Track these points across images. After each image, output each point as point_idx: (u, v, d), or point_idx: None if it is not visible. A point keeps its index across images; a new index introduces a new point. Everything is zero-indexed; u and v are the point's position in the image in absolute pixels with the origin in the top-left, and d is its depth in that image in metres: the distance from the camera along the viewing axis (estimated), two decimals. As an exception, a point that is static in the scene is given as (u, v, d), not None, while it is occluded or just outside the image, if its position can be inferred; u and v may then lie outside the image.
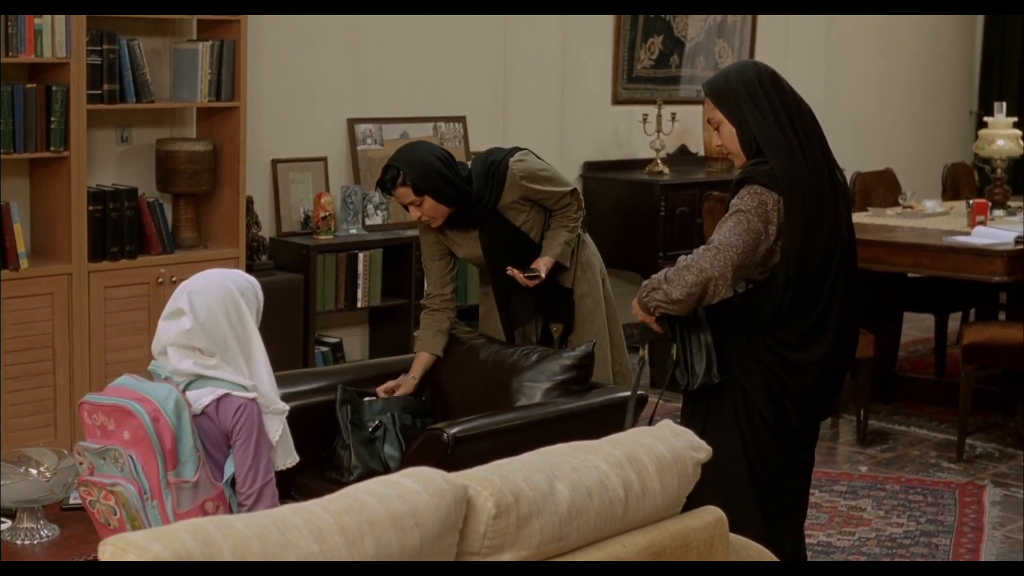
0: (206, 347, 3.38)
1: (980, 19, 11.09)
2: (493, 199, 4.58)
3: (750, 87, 3.58)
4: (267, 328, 3.62)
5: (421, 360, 4.62)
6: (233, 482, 3.39)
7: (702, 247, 3.53)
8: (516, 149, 4.69)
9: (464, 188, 4.53)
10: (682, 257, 3.56)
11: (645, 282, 3.62)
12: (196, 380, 3.39)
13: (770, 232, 3.52)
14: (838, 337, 3.62)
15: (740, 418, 3.63)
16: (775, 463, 3.67)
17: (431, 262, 4.71)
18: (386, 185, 4.49)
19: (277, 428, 3.43)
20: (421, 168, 4.46)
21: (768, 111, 3.55)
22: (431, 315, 4.68)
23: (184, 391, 3.36)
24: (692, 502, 2.86)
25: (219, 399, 3.36)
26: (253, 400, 3.38)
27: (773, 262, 3.56)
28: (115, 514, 3.29)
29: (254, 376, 3.42)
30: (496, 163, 4.60)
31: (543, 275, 4.60)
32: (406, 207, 4.56)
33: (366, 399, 4.43)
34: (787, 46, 9.16)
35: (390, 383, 4.56)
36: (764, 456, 3.65)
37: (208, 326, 3.37)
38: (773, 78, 3.61)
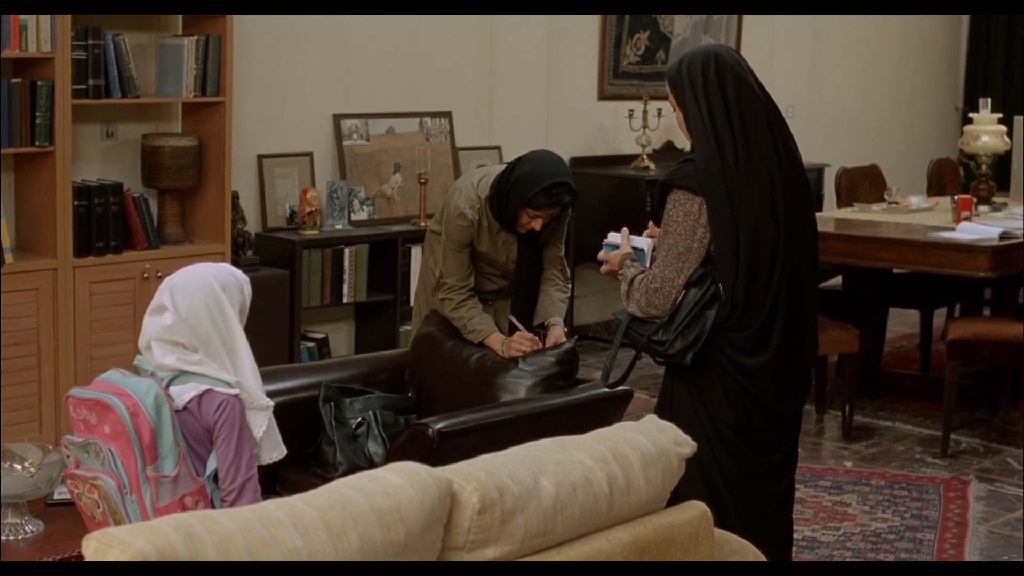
0: (189, 343, 3.38)
1: (965, 15, 11.11)
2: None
3: (694, 79, 3.56)
4: (252, 324, 3.61)
5: (498, 337, 4.60)
6: (216, 477, 3.39)
7: (649, 277, 3.58)
8: None
9: None
10: (643, 278, 3.60)
11: (629, 267, 3.66)
12: (180, 375, 3.38)
13: (699, 235, 3.52)
14: (786, 339, 3.54)
15: (702, 419, 3.57)
16: (746, 460, 3.61)
17: (459, 252, 4.65)
18: (568, 205, 4.61)
19: (262, 424, 3.43)
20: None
21: (704, 105, 3.54)
22: (471, 301, 4.65)
23: (168, 386, 3.36)
24: (678, 498, 2.87)
25: (201, 395, 3.35)
26: (236, 396, 3.37)
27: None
28: (99, 507, 3.29)
29: (238, 372, 3.42)
30: None
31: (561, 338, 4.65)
32: (524, 217, 4.58)
33: (347, 399, 4.42)
34: (773, 42, 9.17)
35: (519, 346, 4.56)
36: (733, 454, 3.59)
37: (190, 322, 3.37)
38: (720, 69, 3.54)
